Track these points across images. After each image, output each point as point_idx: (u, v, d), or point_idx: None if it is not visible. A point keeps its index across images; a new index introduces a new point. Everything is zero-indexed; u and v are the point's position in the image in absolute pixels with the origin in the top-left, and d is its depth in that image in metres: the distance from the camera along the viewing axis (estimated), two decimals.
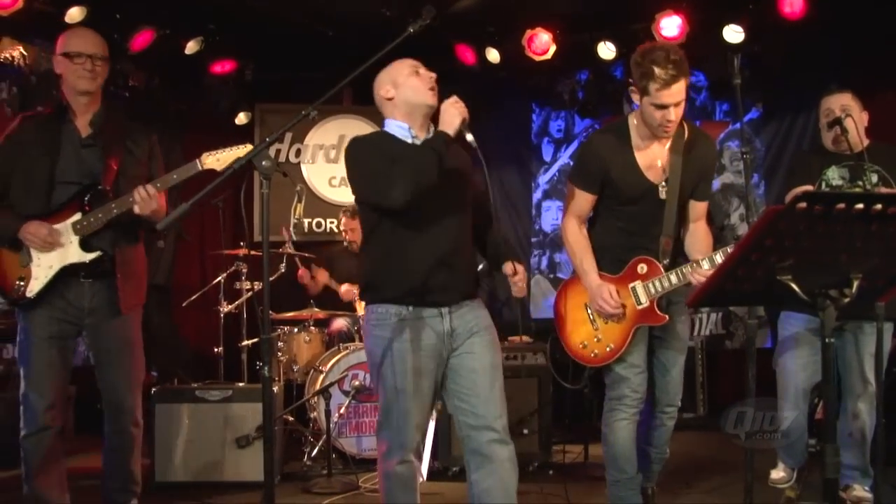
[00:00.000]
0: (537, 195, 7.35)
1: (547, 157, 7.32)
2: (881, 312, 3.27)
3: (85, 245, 3.24)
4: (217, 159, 3.23)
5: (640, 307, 3.17)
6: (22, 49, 5.28)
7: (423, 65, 2.94)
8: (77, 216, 3.23)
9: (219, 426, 4.31)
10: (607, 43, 6.02)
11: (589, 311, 3.30)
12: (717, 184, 6.42)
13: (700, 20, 5.61)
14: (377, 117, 3.12)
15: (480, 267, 6.35)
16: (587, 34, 6.09)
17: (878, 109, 4.83)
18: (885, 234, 1.84)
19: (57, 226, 3.21)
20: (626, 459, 3.30)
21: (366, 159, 2.81)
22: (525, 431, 4.46)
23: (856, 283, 1.90)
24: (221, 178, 2.26)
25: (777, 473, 4.02)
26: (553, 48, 6.06)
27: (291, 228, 3.00)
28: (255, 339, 5.32)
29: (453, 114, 2.76)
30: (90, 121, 3.32)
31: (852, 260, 1.88)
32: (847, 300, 1.90)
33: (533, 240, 7.31)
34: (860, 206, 1.74)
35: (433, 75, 2.91)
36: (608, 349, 3.23)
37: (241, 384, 4.62)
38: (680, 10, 5.58)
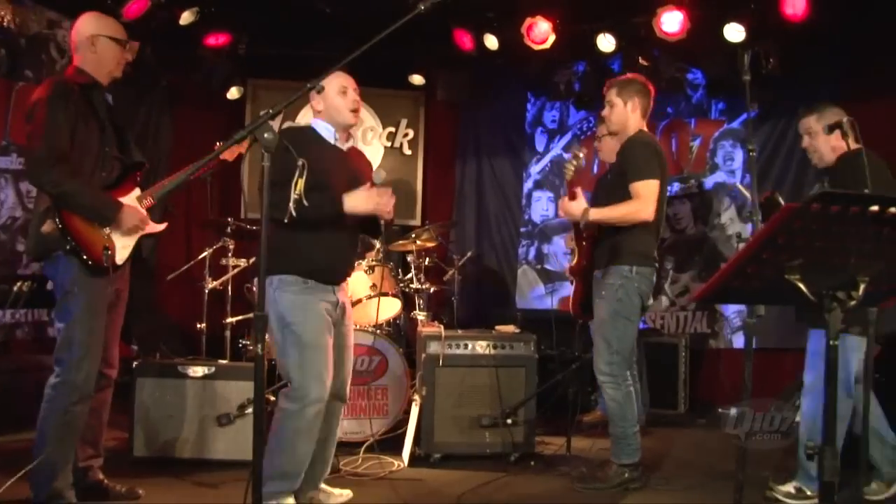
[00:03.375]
0: (528, 185, 7.33)
1: (540, 148, 7.30)
2: (872, 319, 3.28)
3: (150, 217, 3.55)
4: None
5: None
6: (11, 10, 5.15)
7: (353, 82, 3.44)
8: (137, 191, 3.50)
9: (200, 403, 4.25)
10: (607, 35, 5.99)
11: None
12: (709, 183, 6.42)
13: (702, 17, 5.58)
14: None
15: (469, 254, 6.39)
16: (587, 25, 6.06)
17: (877, 115, 4.85)
18: (895, 239, 1.82)
19: (124, 199, 3.43)
20: None
21: (282, 168, 3.10)
22: (510, 421, 4.43)
23: (862, 287, 1.88)
24: (218, 153, 2.22)
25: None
26: (552, 38, 6.02)
27: (291, 204, 3.00)
28: (239, 317, 5.27)
29: (366, 206, 3.31)
30: (102, 99, 3.51)
31: (861, 263, 1.86)
32: (853, 303, 1.88)
33: (522, 230, 7.29)
34: (875, 208, 1.72)
35: (357, 98, 3.43)
36: None
37: (223, 361, 4.56)
38: (682, 6, 5.54)
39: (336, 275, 3.47)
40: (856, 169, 3.65)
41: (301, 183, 2.92)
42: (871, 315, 3.25)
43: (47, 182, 3.27)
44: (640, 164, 3.93)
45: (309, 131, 3.46)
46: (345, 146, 3.51)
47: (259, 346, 2.15)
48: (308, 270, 3.33)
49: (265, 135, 2.11)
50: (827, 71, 5.66)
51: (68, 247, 3.26)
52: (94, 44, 3.43)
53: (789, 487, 3.80)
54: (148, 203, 3.52)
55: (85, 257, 3.28)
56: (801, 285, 1.83)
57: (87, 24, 3.47)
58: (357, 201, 3.29)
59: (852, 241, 1.79)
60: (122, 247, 3.41)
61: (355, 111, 3.45)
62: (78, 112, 3.31)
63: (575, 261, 4.71)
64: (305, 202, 3.01)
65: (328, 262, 3.40)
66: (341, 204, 3.27)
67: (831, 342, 1.86)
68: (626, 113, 4.10)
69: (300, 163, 2.87)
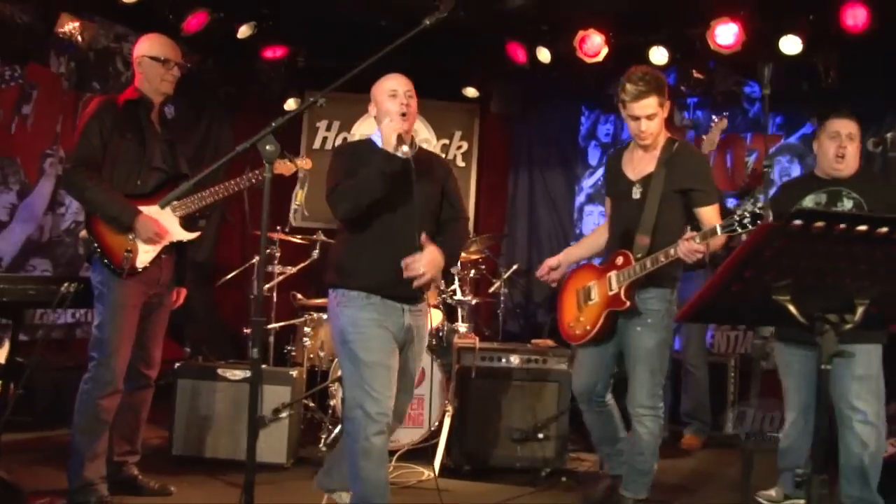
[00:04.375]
0: (580, 199, 7.28)
1: (593, 161, 7.24)
2: None
3: (183, 225, 3.69)
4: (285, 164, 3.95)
5: (610, 293, 3.60)
6: (80, 25, 5.40)
7: (404, 84, 3.25)
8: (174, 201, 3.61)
9: (237, 406, 4.35)
10: (660, 48, 5.90)
11: (577, 295, 3.80)
12: (762, 198, 6.23)
13: (757, 29, 5.45)
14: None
15: (515, 266, 6.36)
16: (640, 38, 5.99)
17: None
18: (892, 259, 1.75)
19: (151, 208, 3.55)
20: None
21: (332, 172, 3.17)
22: (541, 436, 4.40)
23: (860, 309, 1.82)
24: (224, 161, 2.29)
25: None
26: (605, 50, 5.98)
27: (291, 214, 3.07)
28: (283, 323, 5.38)
29: (387, 133, 3.09)
30: (158, 116, 3.75)
31: (857, 284, 1.80)
32: (849, 326, 1.82)
33: (572, 243, 7.21)
34: (863, 227, 1.66)
35: (404, 101, 3.21)
36: (586, 329, 3.71)
37: (263, 366, 4.66)
38: (737, 18, 5.42)
39: (399, 291, 3.21)
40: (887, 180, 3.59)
41: (301, 194, 2.98)
42: None
43: (72, 187, 3.57)
44: (712, 186, 3.66)
45: (365, 143, 3.33)
46: (400, 151, 3.10)
47: (255, 350, 2.20)
48: (369, 285, 3.19)
49: (266, 147, 2.16)
50: (889, 84, 5.44)
51: (92, 248, 3.50)
52: (140, 65, 3.68)
53: None
54: (181, 212, 3.66)
55: (106, 260, 3.49)
56: (791, 307, 1.78)
57: (136, 48, 3.74)
58: (385, 134, 3.10)
59: (843, 260, 1.73)
60: (145, 251, 3.56)
61: (404, 115, 3.19)
62: (115, 126, 3.52)
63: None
64: (306, 212, 3.04)
65: (389, 278, 3.16)
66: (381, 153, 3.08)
67: (823, 367, 1.80)
68: (662, 122, 3.59)
69: (301, 174, 2.91)
